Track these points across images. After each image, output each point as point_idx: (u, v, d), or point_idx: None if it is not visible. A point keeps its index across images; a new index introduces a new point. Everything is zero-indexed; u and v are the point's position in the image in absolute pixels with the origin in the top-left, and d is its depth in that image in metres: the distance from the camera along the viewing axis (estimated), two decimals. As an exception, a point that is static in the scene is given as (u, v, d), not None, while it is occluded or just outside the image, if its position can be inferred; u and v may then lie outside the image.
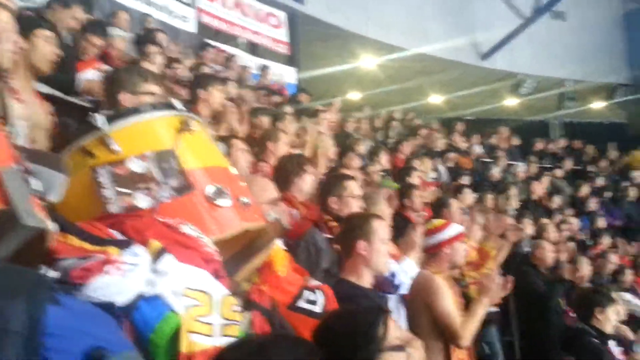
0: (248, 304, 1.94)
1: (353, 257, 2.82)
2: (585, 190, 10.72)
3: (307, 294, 2.39)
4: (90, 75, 4.26)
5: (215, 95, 4.09)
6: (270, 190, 2.61)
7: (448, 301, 3.37)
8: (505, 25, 14.23)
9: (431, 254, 3.61)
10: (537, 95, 15.35)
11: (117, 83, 2.63)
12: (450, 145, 11.09)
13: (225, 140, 3.59)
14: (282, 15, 12.65)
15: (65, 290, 1.18)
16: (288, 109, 6.33)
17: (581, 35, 15.79)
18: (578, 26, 15.83)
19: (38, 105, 2.68)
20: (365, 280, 2.82)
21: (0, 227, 1.17)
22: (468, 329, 3.28)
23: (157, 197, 1.72)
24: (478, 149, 11.29)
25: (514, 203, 8.65)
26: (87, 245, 1.32)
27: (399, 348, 1.75)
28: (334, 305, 2.39)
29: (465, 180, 8.89)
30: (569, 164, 12.41)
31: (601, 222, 9.75)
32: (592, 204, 10.37)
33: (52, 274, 1.24)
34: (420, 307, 3.39)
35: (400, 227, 4.71)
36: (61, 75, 3.46)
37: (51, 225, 1.31)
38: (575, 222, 9.23)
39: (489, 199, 8.06)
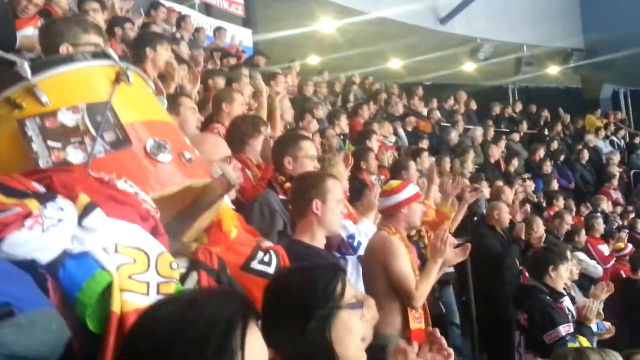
0: (195, 264, 1.86)
1: (307, 217, 2.76)
2: (540, 153, 10.90)
3: (260, 255, 2.32)
4: (30, 32, 4.02)
5: (162, 55, 3.91)
6: (222, 147, 2.51)
7: (404, 262, 3.35)
8: (464, -10, 14.19)
9: (388, 215, 3.57)
10: (494, 60, 15.43)
11: (55, 34, 2.47)
12: (410, 109, 11.11)
13: (173, 98, 3.44)
14: (237, -25, 12.32)
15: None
16: (244, 70, 6.16)
17: (537, 0, 15.89)
18: (535, -9, 15.92)
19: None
20: (319, 240, 2.77)
21: None
22: (421, 290, 3.28)
23: (91, 151, 1.60)
24: (437, 114, 11.34)
25: (470, 166, 8.74)
26: (2, 198, 1.20)
27: (356, 306, 1.71)
28: (288, 266, 2.33)
29: (424, 143, 8.93)
30: (524, 128, 12.61)
31: (555, 185, 9.95)
32: (547, 167, 10.56)
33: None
34: (377, 268, 3.37)
35: (356, 189, 4.69)
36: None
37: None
38: (530, 185, 9.41)
39: (447, 162, 8.12)
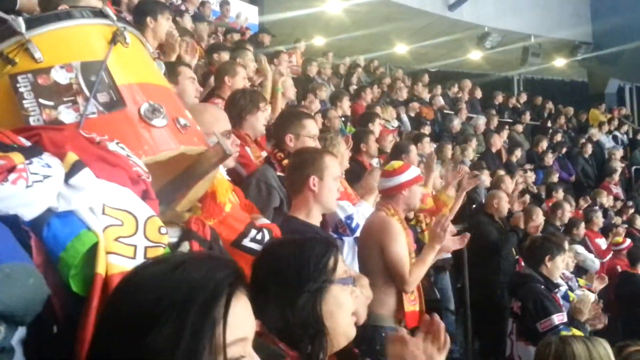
0: (187, 234, 1.83)
1: (303, 193, 2.72)
2: (543, 145, 10.85)
3: (253, 232, 2.29)
4: (29, -8, 3.95)
5: (163, 25, 3.84)
6: (223, 121, 2.46)
7: (401, 246, 3.33)
8: (473, -24, 14.06)
9: (388, 195, 3.53)
10: (501, 49, 15.31)
11: (54, -4, 2.42)
12: (414, 95, 11.04)
13: (172, 66, 3.38)
14: (246, -48, 12.14)
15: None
16: (249, 46, 6.08)
17: (547, -9, 15.77)
18: (544, -19, 15.77)
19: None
20: (315, 217, 2.73)
21: None
22: (415, 275, 3.26)
23: (83, 111, 1.56)
24: (440, 100, 11.27)
25: (471, 154, 8.70)
26: (-16, 150, 1.16)
27: (347, 281, 1.69)
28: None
29: (426, 130, 8.88)
30: (527, 119, 12.55)
31: (555, 177, 9.91)
32: (549, 159, 10.52)
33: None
34: (374, 248, 3.35)
35: (355, 171, 4.65)
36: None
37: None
38: (531, 176, 9.37)
39: (448, 149, 8.08)
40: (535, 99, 14.35)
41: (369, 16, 13.78)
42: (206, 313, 0.88)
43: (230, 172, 2.76)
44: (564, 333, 3.50)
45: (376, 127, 6.21)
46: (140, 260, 1.23)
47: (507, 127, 11.28)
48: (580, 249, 6.80)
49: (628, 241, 7.13)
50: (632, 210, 10.04)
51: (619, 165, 11.73)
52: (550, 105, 14.05)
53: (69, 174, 1.23)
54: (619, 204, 10.40)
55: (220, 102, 4.15)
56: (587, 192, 10.33)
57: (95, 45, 1.69)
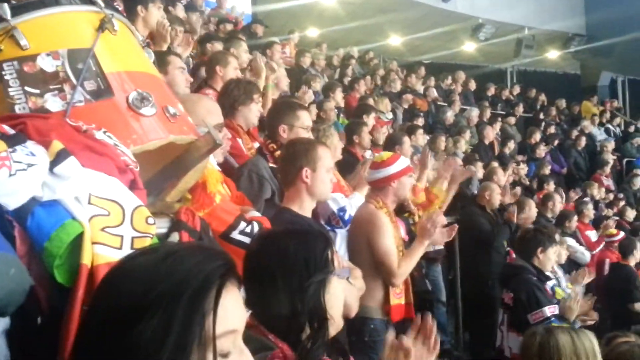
0: (176, 225, 1.81)
1: (295, 185, 2.70)
2: (536, 137, 10.86)
3: (242, 225, 2.26)
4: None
5: (154, 14, 3.79)
6: (216, 114, 2.43)
7: (388, 239, 3.30)
8: (468, -33, 14.01)
9: (377, 187, 3.50)
10: (495, 41, 15.28)
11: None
12: (407, 86, 11.02)
13: (161, 56, 3.34)
14: (240, -59, 12.03)
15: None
16: (242, 36, 6.04)
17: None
18: (538, -28, 15.72)
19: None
20: (307, 209, 2.71)
21: None
22: (403, 269, 3.26)
23: (70, 100, 1.53)
24: (433, 92, 11.26)
25: (464, 146, 8.70)
26: (-33, 138, 1.14)
27: (344, 273, 1.73)
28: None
29: (420, 122, 8.86)
30: (520, 111, 12.56)
31: (547, 169, 9.93)
32: (541, 151, 10.53)
33: None
34: (362, 241, 3.33)
35: (347, 163, 4.63)
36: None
37: None
38: (524, 168, 9.39)
39: (442, 141, 8.07)
40: (528, 91, 14.36)
41: (363, 7, 13.72)
42: (196, 305, 0.87)
43: (222, 163, 2.73)
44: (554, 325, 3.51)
45: (370, 119, 6.18)
46: (127, 250, 1.22)
47: (499, 119, 11.28)
48: (571, 241, 6.81)
49: (622, 233, 7.15)
50: (622, 203, 10.08)
51: (610, 158, 11.76)
52: (543, 97, 14.06)
53: (54, 163, 1.21)
54: (610, 196, 10.44)
55: (212, 92, 4.11)
56: (579, 184, 10.36)
57: (83, 33, 1.67)
